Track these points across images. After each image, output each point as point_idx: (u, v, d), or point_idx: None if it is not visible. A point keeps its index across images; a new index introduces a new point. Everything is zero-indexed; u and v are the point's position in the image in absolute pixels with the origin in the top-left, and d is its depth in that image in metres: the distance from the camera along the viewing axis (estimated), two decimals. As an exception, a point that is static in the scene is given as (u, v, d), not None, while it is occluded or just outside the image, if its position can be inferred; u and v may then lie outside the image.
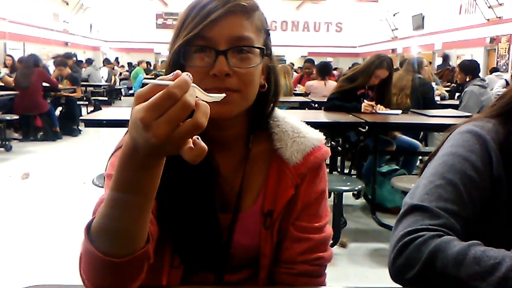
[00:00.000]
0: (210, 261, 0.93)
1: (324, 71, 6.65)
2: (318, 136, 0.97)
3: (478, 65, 5.38)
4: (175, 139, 0.55)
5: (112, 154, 0.91)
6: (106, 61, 14.91)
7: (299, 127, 0.97)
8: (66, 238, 3.35)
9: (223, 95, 0.62)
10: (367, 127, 3.65)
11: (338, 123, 3.78)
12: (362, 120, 3.58)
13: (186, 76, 0.55)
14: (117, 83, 15.08)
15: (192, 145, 0.56)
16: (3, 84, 7.74)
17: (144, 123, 0.54)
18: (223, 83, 0.82)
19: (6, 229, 3.67)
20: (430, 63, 12.38)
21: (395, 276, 0.90)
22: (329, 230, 0.98)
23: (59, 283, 0.86)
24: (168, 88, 0.53)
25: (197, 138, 0.57)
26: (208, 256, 0.93)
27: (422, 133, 5.31)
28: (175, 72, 0.56)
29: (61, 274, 2.75)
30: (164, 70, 0.88)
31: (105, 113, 4.05)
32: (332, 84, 6.22)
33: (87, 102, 10.36)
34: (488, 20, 13.42)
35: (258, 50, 0.86)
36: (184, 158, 0.57)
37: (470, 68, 5.16)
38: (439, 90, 7.10)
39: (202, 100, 0.58)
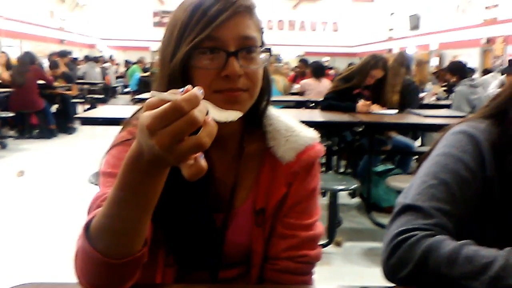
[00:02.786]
0: (203, 259, 0.94)
1: (318, 71, 6.66)
2: (311, 135, 0.97)
3: (465, 65, 5.42)
4: (178, 152, 0.55)
5: (107, 152, 0.91)
6: (96, 59, 14.78)
7: (292, 126, 0.97)
8: (61, 235, 3.35)
9: (239, 113, 0.61)
10: (362, 126, 3.66)
11: (333, 122, 3.80)
12: (357, 120, 3.59)
13: (197, 91, 0.55)
14: (113, 82, 15.03)
15: (193, 161, 0.57)
16: (-1, 82, 7.72)
17: (150, 130, 0.54)
18: (235, 83, 0.82)
19: (0, 227, 3.66)
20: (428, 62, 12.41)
21: (388, 275, 0.91)
22: (318, 228, 0.98)
23: (53, 281, 0.86)
24: (177, 100, 0.53)
25: (200, 156, 0.57)
26: (202, 254, 0.93)
27: (417, 133, 5.33)
28: (186, 87, 0.56)
29: (55, 271, 2.74)
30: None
31: (101, 111, 4.05)
32: (326, 82, 6.25)
33: (82, 100, 10.33)
34: (484, 20, 13.47)
35: (260, 49, 0.86)
36: (182, 172, 0.57)
37: (457, 68, 5.20)
38: (435, 90, 7.12)
39: (214, 119, 0.57)
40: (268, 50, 0.90)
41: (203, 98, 0.56)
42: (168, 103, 0.54)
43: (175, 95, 0.55)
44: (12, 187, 4.81)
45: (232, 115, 0.60)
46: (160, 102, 0.55)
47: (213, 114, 0.58)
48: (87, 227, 0.73)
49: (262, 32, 0.91)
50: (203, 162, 0.57)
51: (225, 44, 0.82)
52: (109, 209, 0.68)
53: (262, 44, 0.89)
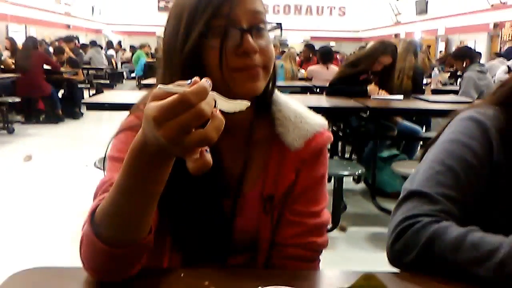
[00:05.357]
0: (211, 247, 0.94)
1: (326, 57, 6.58)
2: (320, 121, 0.97)
3: (472, 50, 5.35)
4: (183, 145, 0.55)
5: (114, 136, 0.91)
6: (109, 44, 14.79)
7: (301, 112, 0.97)
8: (67, 220, 3.38)
9: (247, 102, 0.60)
10: (368, 112, 3.65)
11: (339, 108, 3.78)
12: (363, 105, 3.57)
13: (205, 83, 0.55)
14: (119, 67, 15.01)
15: (199, 155, 0.57)
16: (4, 67, 7.73)
17: (156, 121, 0.55)
18: (252, 60, 0.81)
19: (8, 211, 3.70)
20: (429, 47, 12.29)
21: (393, 260, 0.91)
22: (326, 215, 0.98)
23: (60, 265, 0.87)
24: (184, 92, 0.53)
25: (206, 150, 0.58)
26: (210, 242, 0.93)
27: (424, 119, 5.30)
28: (193, 79, 0.56)
29: (61, 256, 2.77)
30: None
31: (107, 96, 4.05)
32: (334, 69, 6.18)
33: (89, 85, 10.34)
34: (492, 5, 13.29)
35: (267, 26, 0.85)
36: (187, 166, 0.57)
37: (464, 53, 5.13)
38: (441, 76, 7.06)
39: (223, 110, 0.57)
40: (279, 25, 0.89)
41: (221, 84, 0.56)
42: (176, 95, 0.54)
43: (183, 87, 0.55)
44: (20, 171, 4.85)
45: (241, 105, 0.60)
46: (167, 94, 0.55)
47: (221, 105, 0.58)
48: (92, 214, 0.74)
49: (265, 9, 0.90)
50: (208, 157, 0.57)
51: (237, 21, 0.81)
52: (114, 196, 0.68)
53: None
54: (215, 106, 0.57)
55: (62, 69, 8.14)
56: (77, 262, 0.79)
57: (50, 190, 4.23)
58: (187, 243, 0.93)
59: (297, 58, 9.70)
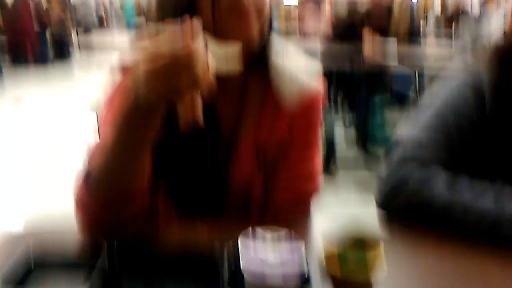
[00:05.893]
0: (206, 202, 0.94)
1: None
2: (316, 69, 0.96)
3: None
4: (174, 97, 0.56)
5: (105, 99, 0.89)
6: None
7: (297, 60, 0.95)
8: (59, 162, 3.39)
9: (239, 45, 0.60)
10: (362, 57, 3.61)
11: (334, 54, 3.74)
12: (357, 50, 3.54)
13: (196, 25, 0.54)
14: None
15: (194, 114, 0.57)
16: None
17: (148, 86, 0.55)
18: (245, 0, 0.79)
19: None
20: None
21: (381, 204, 0.93)
22: (318, 162, 0.99)
23: (51, 212, 0.87)
24: (177, 55, 0.53)
25: (197, 109, 0.58)
26: (205, 196, 0.94)
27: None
28: (184, 19, 0.55)
29: (52, 200, 2.81)
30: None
31: (95, 36, 3.96)
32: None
33: (77, 26, 10.06)
34: None
35: None
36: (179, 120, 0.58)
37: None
38: (436, 20, 6.95)
39: (215, 54, 0.57)
40: None
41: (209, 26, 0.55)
42: (168, 58, 0.53)
43: (174, 29, 0.54)
44: (9, 113, 4.80)
45: (232, 49, 0.60)
46: (159, 56, 0.54)
47: (213, 49, 0.58)
48: (86, 175, 0.75)
49: None
50: (200, 117, 0.58)
51: None
52: (107, 150, 0.70)
53: None
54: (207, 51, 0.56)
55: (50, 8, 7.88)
56: (69, 207, 0.80)
57: (40, 131, 4.22)
58: (181, 198, 0.93)
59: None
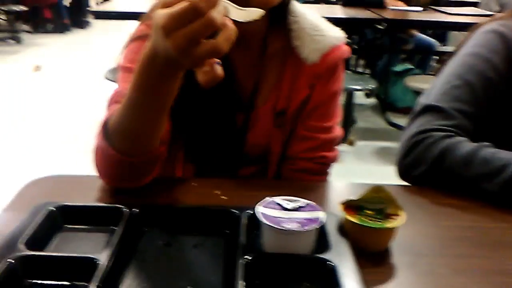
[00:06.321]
0: (223, 159, 0.95)
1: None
2: (338, 35, 0.93)
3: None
4: (193, 56, 0.53)
5: (125, 46, 0.89)
6: None
7: (318, 25, 0.92)
8: (79, 129, 3.43)
9: (262, 11, 0.56)
10: (385, 24, 3.53)
11: (355, 19, 3.65)
12: (380, 17, 3.45)
13: None
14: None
15: (209, 68, 0.54)
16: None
17: (165, 31, 0.52)
18: None
19: (19, 122, 3.75)
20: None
21: (402, 173, 0.92)
22: (338, 131, 0.98)
23: (73, 174, 0.89)
24: (195, 0, 0.50)
25: (217, 62, 0.55)
26: (222, 155, 0.94)
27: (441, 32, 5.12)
28: None
29: (72, 165, 2.85)
30: None
31: (114, 4, 3.93)
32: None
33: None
34: None
35: None
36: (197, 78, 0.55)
37: None
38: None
39: (235, 19, 0.53)
40: None
41: None
42: (185, 3, 0.51)
43: None
44: (29, 81, 4.85)
45: (254, 14, 0.57)
46: (176, 0, 0.52)
47: (234, 14, 0.55)
48: (105, 125, 0.74)
49: None
50: (219, 69, 0.55)
51: None
52: (125, 109, 0.68)
53: None
54: (227, 16, 0.54)
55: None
56: (90, 171, 0.81)
57: (60, 99, 4.26)
58: (200, 155, 0.94)
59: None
